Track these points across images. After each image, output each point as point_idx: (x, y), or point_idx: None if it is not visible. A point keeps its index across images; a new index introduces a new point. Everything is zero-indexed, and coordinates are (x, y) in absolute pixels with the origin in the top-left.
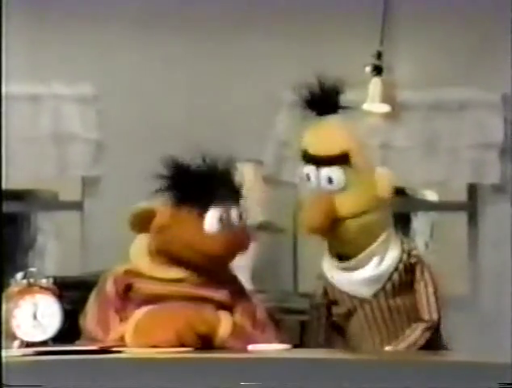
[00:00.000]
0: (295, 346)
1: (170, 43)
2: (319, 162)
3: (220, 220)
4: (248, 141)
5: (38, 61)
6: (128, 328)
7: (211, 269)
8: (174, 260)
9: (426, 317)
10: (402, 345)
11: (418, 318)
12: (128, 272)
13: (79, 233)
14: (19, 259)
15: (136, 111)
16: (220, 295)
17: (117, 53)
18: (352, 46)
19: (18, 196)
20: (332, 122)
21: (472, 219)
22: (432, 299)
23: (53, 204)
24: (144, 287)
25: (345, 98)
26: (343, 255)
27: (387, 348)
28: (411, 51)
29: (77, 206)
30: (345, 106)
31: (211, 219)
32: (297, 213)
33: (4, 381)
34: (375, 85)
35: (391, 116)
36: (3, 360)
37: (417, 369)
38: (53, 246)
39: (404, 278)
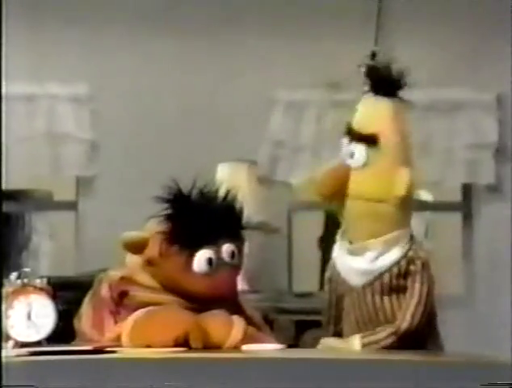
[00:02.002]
0: (290, 346)
1: (165, 43)
2: (352, 136)
3: (210, 261)
4: (242, 142)
5: (33, 61)
6: (125, 327)
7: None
8: None
9: (397, 322)
10: (368, 339)
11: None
12: (124, 279)
13: (73, 233)
14: (14, 259)
15: (130, 111)
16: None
17: (111, 54)
18: (346, 46)
19: (12, 195)
20: (380, 102)
21: (467, 219)
22: (410, 309)
23: (47, 204)
24: (140, 295)
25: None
26: (351, 240)
27: (357, 336)
28: (405, 51)
29: (72, 206)
30: (402, 98)
31: (201, 260)
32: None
33: (3, 381)
34: None
35: None
36: (3, 360)
37: (417, 369)
38: (47, 246)
39: (396, 282)
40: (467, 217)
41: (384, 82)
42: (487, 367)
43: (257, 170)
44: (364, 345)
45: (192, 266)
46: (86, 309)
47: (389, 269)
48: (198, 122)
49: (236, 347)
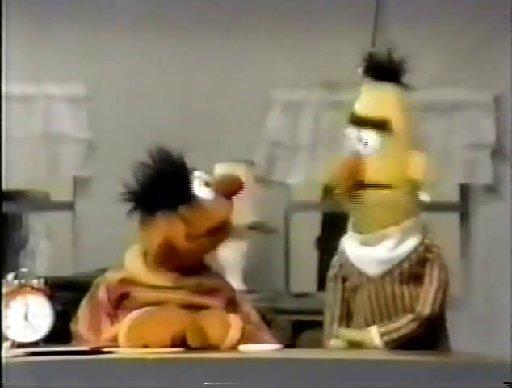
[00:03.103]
0: (287, 346)
1: (162, 43)
2: (361, 124)
3: (206, 184)
4: (239, 142)
5: (30, 61)
6: (122, 327)
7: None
8: (172, 267)
9: (418, 309)
10: (386, 328)
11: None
12: (123, 281)
13: (71, 233)
14: (11, 260)
15: (127, 111)
16: (217, 303)
17: (109, 53)
18: (344, 47)
19: (9, 196)
20: (385, 89)
21: (464, 219)
22: (430, 295)
23: (45, 204)
24: (141, 295)
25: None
26: (364, 231)
27: (373, 327)
28: (403, 51)
29: (69, 206)
30: (406, 84)
31: (200, 186)
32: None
33: (3, 381)
34: None
35: None
36: (3, 360)
37: (417, 369)
38: (45, 247)
39: (415, 270)
40: (465, 218)
41: (387, 68)
42: (486, 367)
43: (254, 171)
44: (382, 334)
45: (200, 204)
46: (82, 312)
47: (408, 257)
48: (195, 122)
49: (233, 347)
